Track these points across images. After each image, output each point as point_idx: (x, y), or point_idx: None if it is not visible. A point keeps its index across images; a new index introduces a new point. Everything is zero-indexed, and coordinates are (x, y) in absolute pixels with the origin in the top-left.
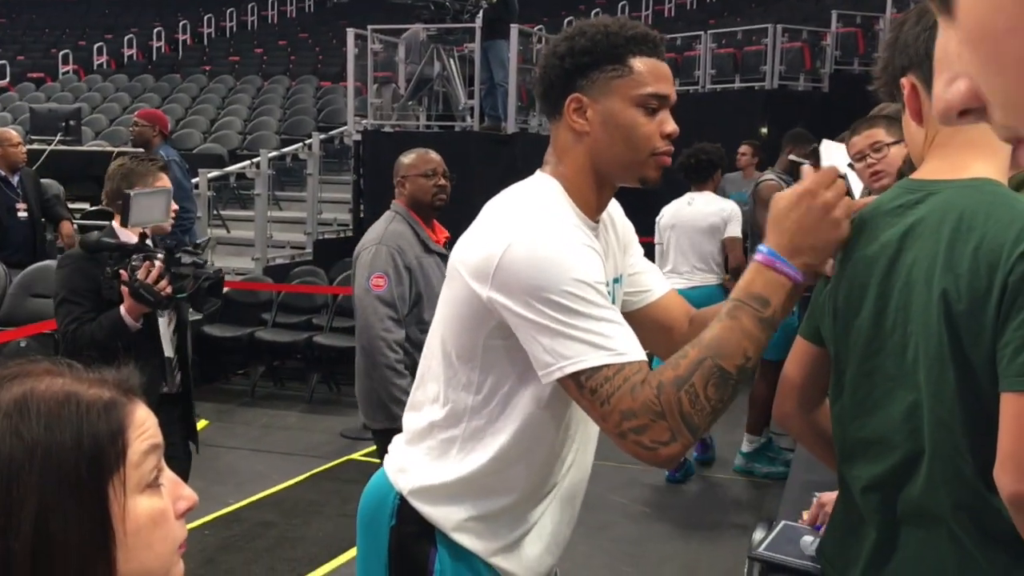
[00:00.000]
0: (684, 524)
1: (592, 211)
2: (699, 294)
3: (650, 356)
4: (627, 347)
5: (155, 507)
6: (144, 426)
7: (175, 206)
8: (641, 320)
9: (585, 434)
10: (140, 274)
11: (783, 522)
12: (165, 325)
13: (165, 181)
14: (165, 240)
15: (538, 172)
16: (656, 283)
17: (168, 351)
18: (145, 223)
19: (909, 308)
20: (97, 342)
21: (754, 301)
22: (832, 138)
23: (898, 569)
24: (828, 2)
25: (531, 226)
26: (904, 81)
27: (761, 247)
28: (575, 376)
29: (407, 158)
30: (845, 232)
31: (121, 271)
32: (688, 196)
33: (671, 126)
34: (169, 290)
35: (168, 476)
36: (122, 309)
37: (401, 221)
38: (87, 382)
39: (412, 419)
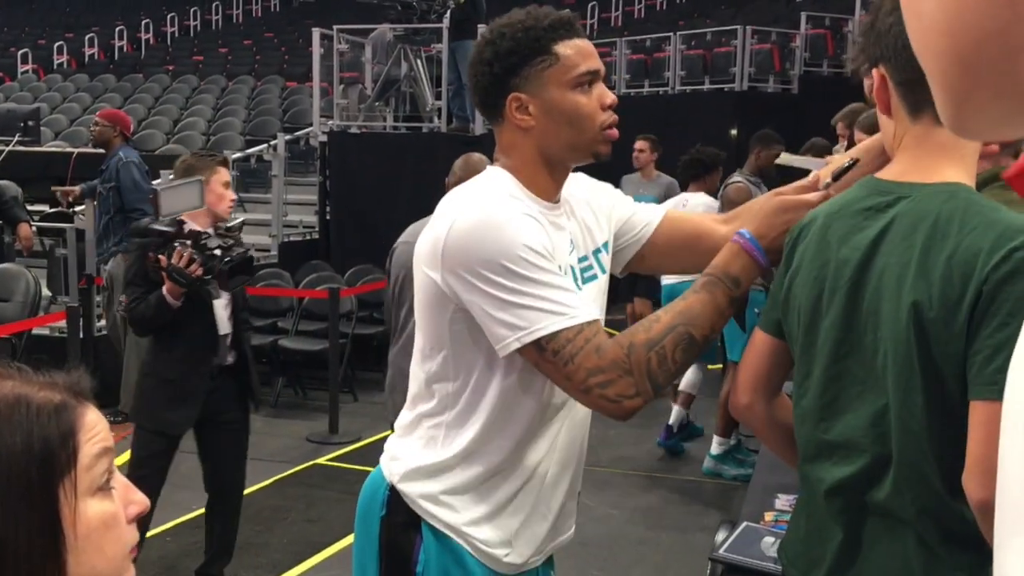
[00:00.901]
0: (653, 526)
1: (548, 194)
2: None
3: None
4: (580, 310)
5: (106, 511)
6: (95, 429)
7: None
8: (658, 248)
9: (570, 410)
10: (174, 259)
11: (745, 523)
12: (222, 307)
13: (223, 175)
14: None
15: (489, 167)
16: (651, 214)
17: (223, 328)
18: (178, 211)
19: (879, 313)
20: (148, 319)
21: (729, 280)
22: (803, 139)
23: (864, 570)
24: (797, 4)
25: (471, 204)
26: (875, 72)
27: (744, 232)
28: (535, 344)
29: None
30: None
31: (160, 256)
32: (683, 196)
33: (609, 97)
34: (200, 272)
35: (119, 480)
36: (164, 290)
37: None
38: (37, 385)
39: (404, 414)
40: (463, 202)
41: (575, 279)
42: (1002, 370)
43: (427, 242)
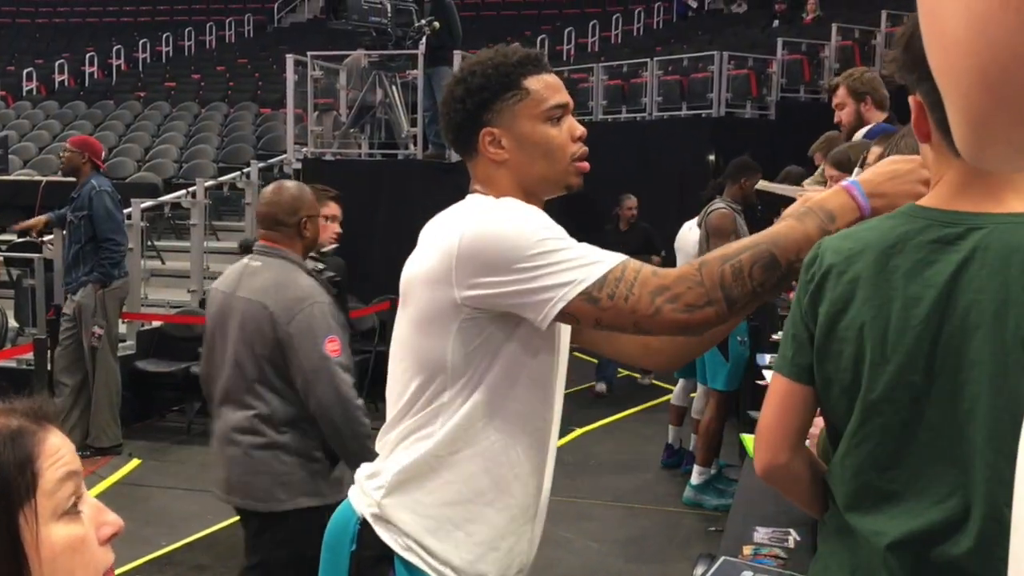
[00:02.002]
0: (633, 559)
1: None
2: None
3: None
4: (610, 256)
5: (73, 534)
6: (58, 453)
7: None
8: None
9: (552, 436)
10: None
11: (723, 558)
12: None
13: (332, 208)
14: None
15: (468, 195)
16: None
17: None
18: None
19: (964, 354)
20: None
21: (824, 214)
22: (781, 165)
23: None
24: (774, 30)
25: (471, 215)
26: (912, 100)
27: (849, 179)
28: (584, 295)
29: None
30: (917, 194)
31: None
32: (693, 221)
33: (579, 129)
34: None
35: (91, 503)
36: None
37: (299, 270)
38: None
39: (387, 436)
40: (460, 217)
41: None
42: None
43: (429, 262)
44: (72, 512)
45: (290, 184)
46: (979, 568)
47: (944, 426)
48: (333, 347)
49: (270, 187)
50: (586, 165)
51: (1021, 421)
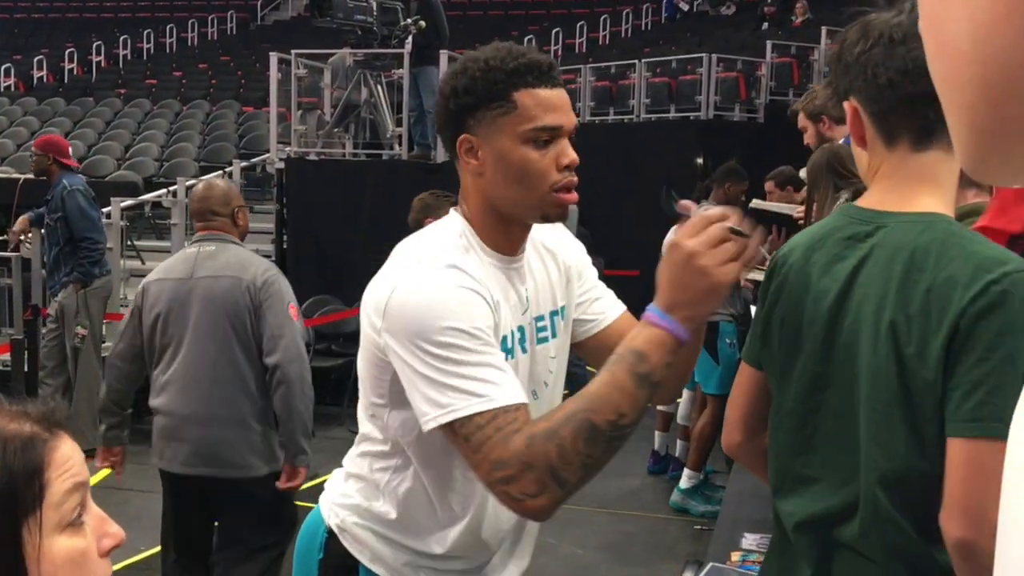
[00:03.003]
0: (618, 565)
1: (502, 247)
2: None
3: None
4: (501, 393)
5: (75, 547)
6: (68, 463)
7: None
8: (595, 349)
9: None
10: None
11: (711, 564)
12: None
13: None
14: None
15: (452, 210)
16: (608, 309)
17: None
18: None
19: (858, 345)
20: None
21: (631, 355)
22: (769, 168)
23: None
24: (763, 32)
25: (413, 271)
26: (847, 105)
27: (650, 306)
28: (449, 425)
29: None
30: (716, 280)
31: None
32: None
33: (568, 156)
34: None
35: (94, 512)
36: None
37: (247, 249)
38: (7, 415)
39: (351, 452)
40: (408, 265)
41: (522, 340)
42: (981, 406)
43: (372, 299)
44: (76, 524)
45: (219, 182)
46: (866, 550)
47: (845, 415)
48: (295, 312)
49: (200, 185)
50: (571, 196)
51: (892, 410)
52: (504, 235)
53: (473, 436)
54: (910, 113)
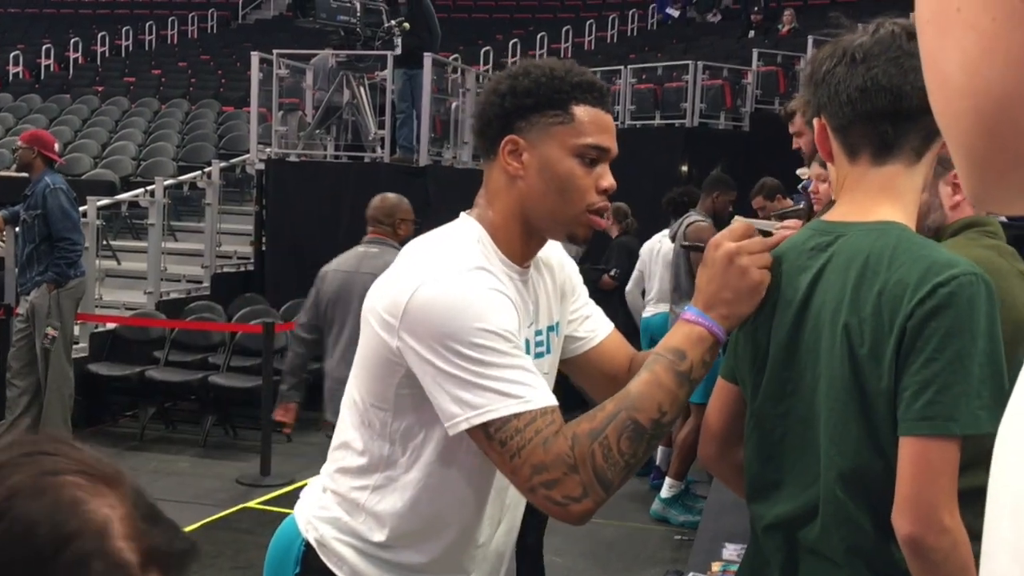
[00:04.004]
0: (599, 573)
1: (518, 258)
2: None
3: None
4: (537, 395)
5: None
6: None
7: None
8: (584, 367)
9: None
10: None
11: (691, 574)
12: None
13: None
14: None
15: (463, 215)
16: (598, 328)
17: None
18: None
19: (818, 350)
20: None
21: (671, 353)
22: (754, 177)
23: None
24: (749, 40)
25: (439, 271)
26: (816, 122)
27: (687, 305)
28: (483, 427)
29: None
30: (756, 279)
31: None
32: (662, 233)
33: (608, 180)
34: None
35: None
36: None
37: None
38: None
39: (327, 466)
40: (431, 264)
41: (527, 353)
42: (930, 405)
43: (384, 299)
44: None
45: (391, 196)
46: (828, 550)
47: (808, 418)
48: None
49: (377, 196)
50: (601, 222)
51: (848, 410)
52: (522, 245)
53: (511, 440)
54: (869, 128)
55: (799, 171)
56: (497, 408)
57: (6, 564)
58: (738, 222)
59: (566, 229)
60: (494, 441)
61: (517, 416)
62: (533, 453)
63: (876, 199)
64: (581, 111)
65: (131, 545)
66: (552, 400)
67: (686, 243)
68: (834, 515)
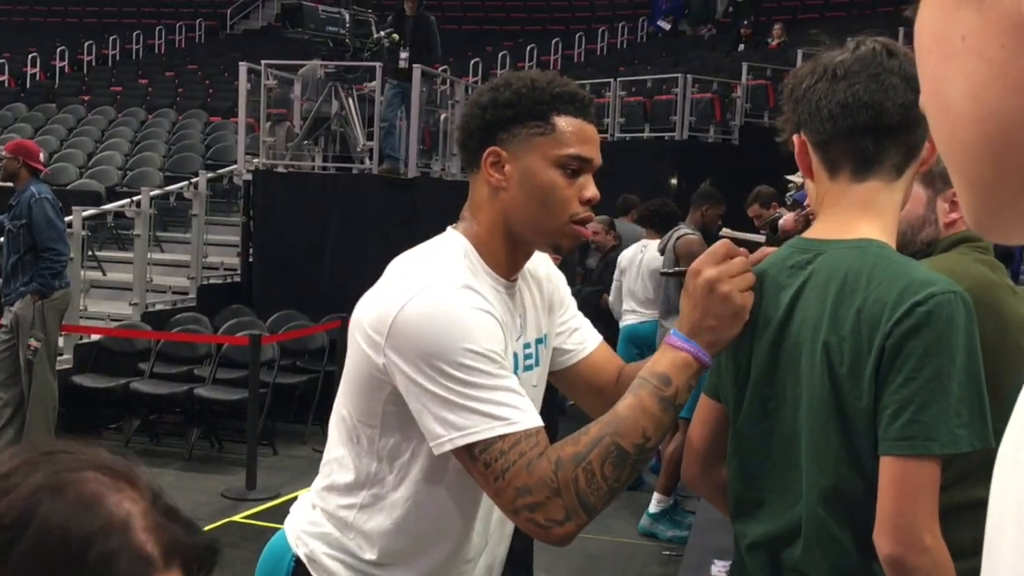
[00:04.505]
0: None
1: (505, 270)
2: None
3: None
4: (522, 417)
5: None
6: None
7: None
8: (572, 380)
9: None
10: None
11: None
12: None
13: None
14: None
15: (449, 228)
16: (587, 340)
17: None
18: None
19: (799, 369)
20: None
21: (656, 379)
22: (743, 190)
23: None
24: (739, 53)
25: (426, 289)
26: (796, 138)
27: (672, 329)
28: (468, 448)
29: None
30: (739, 305)
31: None
32: (643, 242)
33: (591, 191)
34: None
35: None
36: None
37: None
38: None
39: (316, 481)
40: (417, 281)
41: (516, 367)
42: (910, 424)
43: (370, 315)
44: None
45: None
46: (811, 570)
47: (791, 437)
48: None
49: None
50: (586, 231)
51: (829, 429)
52: (508, 257)
53: (495, 462)
54: (850, 144)
55: (789, 177)
56: (482, 430)
57: (44, 564)
58: (719, 243)
59: (550, 240)
60: (478, 462)
61: (502, 438)
62: (517, 476)
63: (856, 216)
64: (562, 122)
65: (153, 538)
66: (537, 421)
67: (666, 271)
68: (816, 534)
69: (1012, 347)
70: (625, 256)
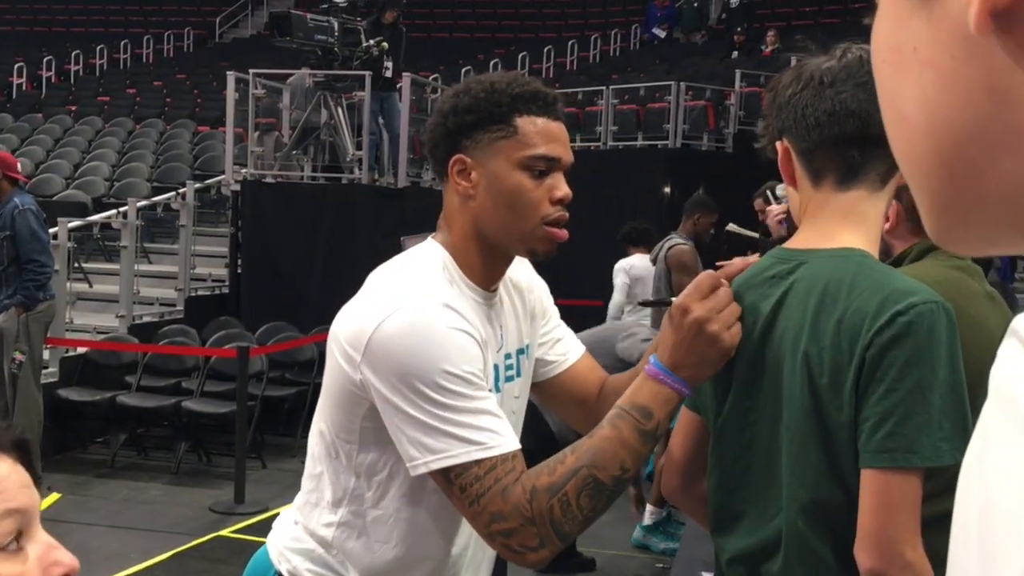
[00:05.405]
0: None
1: (482, 280)
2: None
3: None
4: (498, 441)
5: (7, 573)
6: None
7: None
8: (555, 391)
9: None
10: None
11: None
12: None
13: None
14: None
15: (429, 239)
16: (570, 351)
17: None
18: None
19: (780, 380)
20: None
21: (637, 411)
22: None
23: None
24: (732, 61)
25: (403, 307)
26: (779, 145)
27: (651, 358)
28: (443, 472)
29: None
30: (727, 346)
31: None
32: (627, 262)
33: (562, 190)
34: None
35: (41, 540)
36: None
37: None
38: None
39: (298, 497)
40: (395, 297)
41: (496, 379)
42: (891, 437)
43: (347, 330)
44: (10, 550)
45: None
46: None
47: (771, 449)
48: None
49: None
50: (561, 233)
51: (809, 441)
52: (485, 266)
53: (471, 487)
54: (835, 152)
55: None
56: (457, 454)
57: None
58: (704, 275)
59: (524, 245)
60: (454, 486)
61: (478, 463)
62: (492, 501)
63: (838, 225)
64: (525, 122)
65: None
66: (514, 445)
67: (648, 300)
68: (797, 548)
69: (983, 361)
70: (622, 272)
